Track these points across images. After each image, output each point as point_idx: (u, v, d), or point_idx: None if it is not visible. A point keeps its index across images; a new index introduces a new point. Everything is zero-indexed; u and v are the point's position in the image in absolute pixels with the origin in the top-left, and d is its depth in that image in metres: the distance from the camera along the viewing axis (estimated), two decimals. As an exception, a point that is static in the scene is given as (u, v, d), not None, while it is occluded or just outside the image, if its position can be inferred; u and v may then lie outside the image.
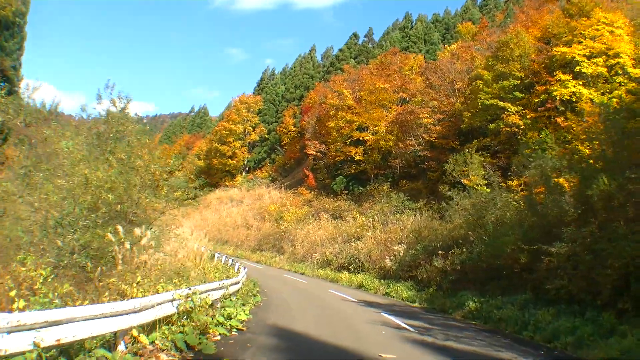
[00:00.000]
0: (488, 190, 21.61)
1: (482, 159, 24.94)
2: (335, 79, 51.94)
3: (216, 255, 25.09)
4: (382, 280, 24.09)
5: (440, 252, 21.25)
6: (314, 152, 46.03)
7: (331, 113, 44.02)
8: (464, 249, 19.81)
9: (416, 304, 19.67)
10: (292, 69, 77.46)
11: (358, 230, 30.89)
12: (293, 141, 60.01)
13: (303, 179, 48.69)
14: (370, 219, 30.88)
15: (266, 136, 66.45)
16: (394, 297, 21.50)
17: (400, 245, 25.17)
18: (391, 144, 37.02)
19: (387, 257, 25.14)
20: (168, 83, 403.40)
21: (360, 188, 38.47)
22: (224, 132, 65.55)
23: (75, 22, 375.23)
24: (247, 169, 66.93)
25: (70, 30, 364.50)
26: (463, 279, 19.24)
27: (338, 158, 41.73)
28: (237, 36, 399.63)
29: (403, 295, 21.10)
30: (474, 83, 29.12)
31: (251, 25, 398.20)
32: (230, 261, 24.95)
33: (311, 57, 76.72)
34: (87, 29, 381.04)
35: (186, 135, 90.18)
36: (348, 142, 40.99)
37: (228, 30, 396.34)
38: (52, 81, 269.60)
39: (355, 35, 71.82)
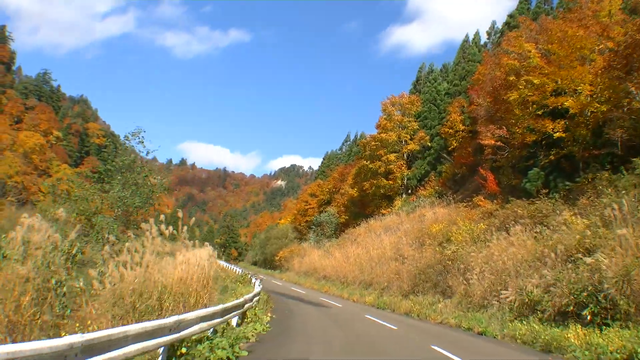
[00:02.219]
0: None
1: None
2: (510, 35, 37.70)
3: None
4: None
5: None
6: (492, 141, 33.04)
7: (510, 80, 30.73)
8: None
9: None
10: (454, 62, 63.31)
11: (589, 236, 16.21)
12: (463, 143, 45.96)
13: (480, 185, 35.06)
14: (606, 214, 16.10)
15: (429, 144, 52.84)
16: None
17: None
18: (604, 109, 23.92)
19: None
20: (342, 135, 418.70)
21: (567, 183, 25.18)
22: (374, 144, 53.89)
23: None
24: (407, 190, 53.83)
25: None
26: None
27: (528, 139, 28.91)
28: (406, 83, 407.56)
29: None
30: None
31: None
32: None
33: (475, 42, 61.86)
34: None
35: (340, 167, 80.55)
36: (541, 112, 28.12)
37: (396, 77, 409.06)
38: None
39: (526, -1, 55.60)
